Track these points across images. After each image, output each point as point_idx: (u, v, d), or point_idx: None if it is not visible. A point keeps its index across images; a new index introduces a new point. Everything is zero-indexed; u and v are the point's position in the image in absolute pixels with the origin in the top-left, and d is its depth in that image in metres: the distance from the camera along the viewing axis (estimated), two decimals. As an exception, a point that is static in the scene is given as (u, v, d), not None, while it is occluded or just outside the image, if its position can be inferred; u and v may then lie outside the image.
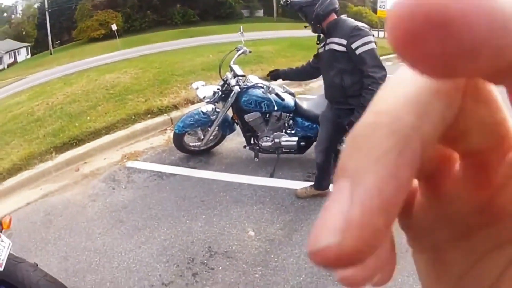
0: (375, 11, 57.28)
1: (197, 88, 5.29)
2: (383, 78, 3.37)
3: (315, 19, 3.68)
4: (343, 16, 3.75)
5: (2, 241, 2.83)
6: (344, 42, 3.49)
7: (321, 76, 4.16)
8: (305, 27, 3.99)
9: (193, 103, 7.45)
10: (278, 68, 4.96)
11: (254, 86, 4.95)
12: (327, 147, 4.22)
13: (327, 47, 3.71)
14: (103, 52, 28.81)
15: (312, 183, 4.63)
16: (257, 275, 3.51)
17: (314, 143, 4.65)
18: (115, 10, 46.39)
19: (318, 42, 3.93)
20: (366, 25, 3.62)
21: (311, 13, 3.65)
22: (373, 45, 3.45)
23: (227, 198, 4.66)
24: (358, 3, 64.35)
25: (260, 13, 57.24)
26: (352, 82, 3.62)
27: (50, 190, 5.18)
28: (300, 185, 4.79)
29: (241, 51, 5.32)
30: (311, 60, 4.40)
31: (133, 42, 33.04)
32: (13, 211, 4.71)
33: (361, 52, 3.41)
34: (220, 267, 3.63)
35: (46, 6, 43.54)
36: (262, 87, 4.85)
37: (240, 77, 5.06)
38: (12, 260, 2.75)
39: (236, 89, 4.91)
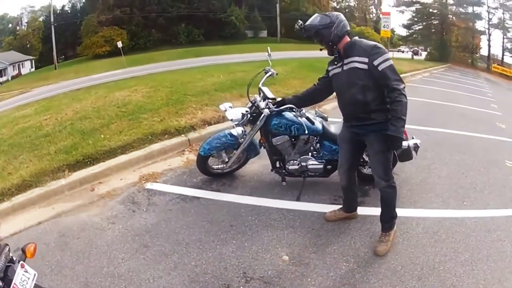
0: (377, 31, 58.15)
1: (225, 110, 5.25)
2: (404, 89, 3.65)
3: (332, 41, 3.83)
4: (357, 38, 3.95)
5: (26, 271, 2.73)
6: (366, 60, 3.68)
7: (329, 98, 4.49)
8: (321, 49, 4.06)
9: (210, 124, 7.45)
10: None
11: (285, 109, 4.89)
12: (349, 167, 4.32)
13: (346, 67, 3.87)
14: (109, 69, 29.21)
15: (340, 206, 4.67)
16: (297, 300, 3.42)
17: None
18: (121, 28, 46.82)
19: (335, 63, 4.02)
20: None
21: (328, 36, 3.80)
22: (391, 61, 3.70)
23: (256, 222, 4.61)
24: (360, 23, 64.99)
25: (264, 33, 57.89)
26: (374, 97, 3.81)
27: (63, 210, 4.99)
28: (327, 208, 4.82)
29: (270, 73, 5.30)
30: (316, 83, 4.58)
31: (138, 60, 33.31)
32: (23, 230, 4.59)
33: (383, 68, 3.63)
34: (259, 293, 3.54)
35: (52, 19, 43.70)
36: (294, 111, 4.81)
37: (270, 100, 5.01)
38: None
39: (266, 112, 4.87)
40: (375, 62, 3.64)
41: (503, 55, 63.24)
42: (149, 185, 5.50)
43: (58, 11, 48.71)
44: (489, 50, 64.56)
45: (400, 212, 4.58)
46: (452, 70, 40.11)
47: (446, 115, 11.88)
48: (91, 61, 40.74)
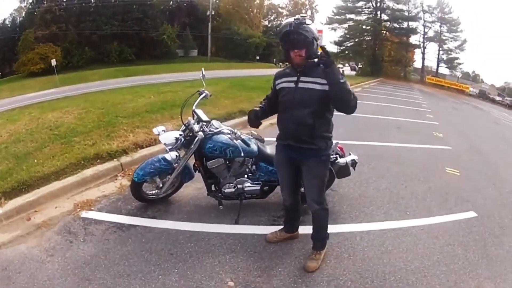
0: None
1: (158, 134, 5.03)
2: (352, 100, 3.59)
3: (310, 54, 3.64)
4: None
5: None
6: (324, 81, 3.56)
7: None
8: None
9: (142, 147, 7.23)
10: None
11: (219, 132, 4.78)
12: (292, 190, 4.24)
13: (301, 85, 3.72)
14: (43, 88, 29.23)
15: (281, 226, 4.62)
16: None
17: (278, 186, 4.64)
18: (56, 45, 46.40)
19: (289, 76, 3.85)
20: None
21: (313, 48, 3.63)
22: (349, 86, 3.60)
23: (196, 249, 4.43)
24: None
25: (195, 52, 58.35)
26: (322, 124, 3.77)
27: (3, 241, 4.63)
28: (267, 229, 4.73)
29: (203, 94, 5.16)
30: (263, 102, 4.28)
31: (71, 79, 33.23)
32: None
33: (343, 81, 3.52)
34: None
35: None
36: (228, 133, 4.68)
37: (204, 123, 4.85)
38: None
39: (201, 135, 4.71)
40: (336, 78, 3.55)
41: (438, 66, 66.18)
42: (84, 214, 5.21)
43: (-1, 25, 48.12)
44: (423, 63, 67.49)
45: (342, 228, 4.72)
46: (384, 84, 41.53)
47: (381, 129, 12.18)
48: (26, 79, 40.38)
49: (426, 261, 4.44)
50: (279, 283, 3.90)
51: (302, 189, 4.25)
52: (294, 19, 3.58)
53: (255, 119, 4.22)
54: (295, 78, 3.77)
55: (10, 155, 6.86)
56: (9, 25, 53.69)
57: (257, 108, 4.23)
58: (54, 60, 35.66)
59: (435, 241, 4.92)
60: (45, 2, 50.81)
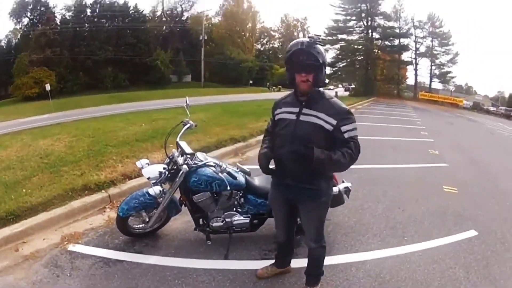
0: None
1: (142, 168, 4.87)
2: (355, 158, 3.29)
3: (318, 82, 3.29)
4: (325, 91, 3.46)
5: None
6: (334, 122, 3.26)
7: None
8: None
9: (130, 178, 7.09)
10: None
11: (204, 165, 4.60)
12: (288, 228, 4.02)
13: (304, 118, 3.36)
14: (37, 113, 29.56)
15: (272, 261, 4.44)
16: None
17: (269, 219, 4.63)
18: (50, 69, 46.83)
19: (291, 107, 3.47)
20: None
21: (323, 75, 3.31)
22: (357, 133, 3.35)
23: (183, 286, 4.25)
24: (283, 65, 67.10)
25: (188, 78, 58.98)
26: None
27: None
28: (258, 264, 4.56)
29: (188, 125, 5.00)
30: (266, 139, 3.90)
31: (65, 105, 33.53)
32: None
33: (349, 136, 3.28)
34: None
35: None
36: (214, 166, 4.51)
37: (188, 155, 4.69)
38: None
39: (185, 168, 4.54)
40: (343, 128, 3.26)
41: (431, 81, 66.90)
42: (71, 247, 5.06)
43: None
44: (416, 79, 68.17)
45: (337, 259, 4.57)
46: (378, 103, 41.69)
47: (375, 150, 12.00)
48: (21, 103, 41.06)
49: None
50: (273, 321, 3.70)
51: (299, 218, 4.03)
52: (308, 37, 3.25)
53: (267, 165, 3.68)
54: (297, 109, 3.42)
55: None
56: (4, 47, 54.10)
57: (266, 150, 3.72)
58: (49, 85, 35.90)
59: (435, 266, 4.79)
60: (39, 25, 51.36)
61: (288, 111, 3.48)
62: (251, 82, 63.07)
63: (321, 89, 3.39)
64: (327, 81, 3.90)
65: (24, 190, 6.31)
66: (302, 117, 3.36)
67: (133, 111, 22.53)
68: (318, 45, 3.20)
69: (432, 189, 8.04)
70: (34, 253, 4.90)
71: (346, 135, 3.26)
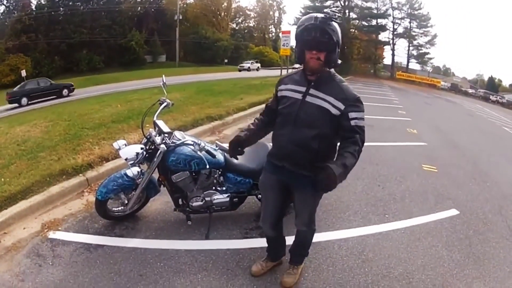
0: (275, 50, 59.93)
1: (118, 149, 4.77)
2: (360, 152, 3.03)
3: (330, 61, 3.07)
4: (336, 74, 3.26)
5: None
6: (342, 106, 3.04)
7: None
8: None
9: (107, 160, 6.98)
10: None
11: (182, 144, 4.52)
12: (276, 219, 3.75)
13: (310, 99, 3.13)
14: None
15: (254, 239, 4.55)
16: None
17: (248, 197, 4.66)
18: (26, 55, 46.26)
19: (298, 85, 3.23)
20: None
21: (333, 53, 3.05)
22: (365, 123, 3.10)
23: (166, 268, 4.20)
24: (259, 43, 66.56)
25: (163, 58, 58.51)
26: (327, 148, 3.20)
27: None
28: (240, 244, 4.58)
29: (164, 104, 4.90)
30: (262, 114, 3.68)
31: None
32: None
33: (356, 124, 3.03)
34: None
35: None
36: (192, 145, 4.44)
37: (166, 134, 4.60)
38: None
39: (163, 148, 4.45)
40: (351, 114, 3.03)
41: (408, 62, 67.18)
42: (51, 234, 4.95)
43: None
44: (393, 59, 68.23)
45: (319, 236, 4.47)
46: (354, 82, 41.50)
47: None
48: None
49: (410, 266, 4.32)
50: (257, 302, 3.67)
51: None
52: (323, 12, 3.00)
53: (235, 149, 3.58)
54: (303, 89, 3.17)
55: None
56: (-19, 35, 53.23)
57: (242, 133, 3.57)
58: (24, 71, 35.42)
59: (418, 244, 4.81)
60: (15, 12, 50.56)
61: (294, 89, 3.24)
62: (226, 61, 62.83)
63: (332, 70, 3.20)
64: (339, 61, 3.68)
65: (2, 179, 6.17)
66: (308, 98, 3.14)
67: (109, 93, 22.49)
68: (333, 22, 2.99)
69: (411, 167, 8.09)
70: (16, 243, 4.80)
71: (352, 123, 3.02)
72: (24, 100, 29.09)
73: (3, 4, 52.89)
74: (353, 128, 3.02)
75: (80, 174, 6.40)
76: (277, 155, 3.41)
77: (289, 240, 4.10)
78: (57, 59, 49.20)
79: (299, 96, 3.17)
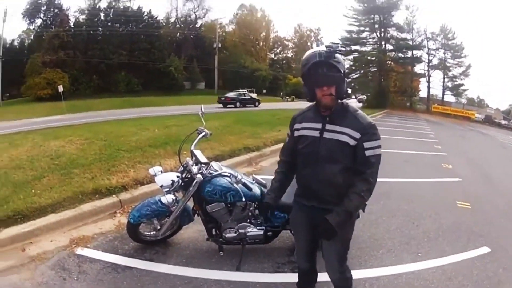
0: None
1: (154, 175, 4.79)
2: (373, 188, 3.00)
3: (341, 94, 3.00)
4: (349, 104, 3.16)
5: None
6: (358, 136, 2.96)
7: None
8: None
9: (142, 184, 7.04)
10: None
11: (219, 175, 4.53)
12: (310, 254, 3.65)
13: (328, 135, 3.05)
14: (49, 113, 29.44)
15: (285, 274, 4.45)
16: None
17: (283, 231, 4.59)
18: (63, 71, 47.10)
19: (313, 122, 3.15)
20: None
21: (343, 85, 2.98)
22: (381, 151, 3.05)
23: (194, 297, 4.13)
24: (297, 75, 66.99)
25: (202, 85, 58.95)
26: (351, 181, 3.04)
27: None
28: (270, 277, 4.48)
29: (203, 134, 4.96)
30: (281, 158, 3.60)
31: (77, 107, 33.64)
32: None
33: (371, 155, 2.98)
34: None
35: (0, 53, 43.41)
36: (229, 176, 4.43)
37: (203, 165, 4.63)
38: None
39: (199, 178, 4.47)
40: (366, 144, 2.96)
41: (443, 94, 66.63)
42: (79, 250, 4.99)
43: (7, 45, 48.81)
44: (428, 92, 67.87)
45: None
46: (391, 115, 41.44)
47: (388, 164, 11.79)
48: (33, 103, 40.98)
49: None
50: None
51: None
52: (326, 46, 2.90)
53: (268, 213, 3.77)
54: (319, 125, 3.10)
55: (8, 182, 6.76)
56: (17, 47, 54.53)
57: (268, 197, 3.53)
58: (61, 86, 36.05)
59: (448, 284, 4.65)
60: (53, 27, 51.71)
61: (310, 127, 3.17)
62: (264, 91, 63.04)
63: (344, 101, 3.12)
64: (349, 91, 3.63)
65: (33, 191, 6.29)
66: (326, 134, 3.06)
67: (146, 116, 22.58)
68: (337, 54, 2.91)
69: (445, 204, 7.93)
70: (41, 254, 4.85)
71: (367, 153, 2.97)
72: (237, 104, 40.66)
73: (40, 17, 54.27)
74: (367, 160, 2.97)
75: (114, 195, 6.48)
76: (304, 195, 3.35)
77: (321, 276, 3.94)
78: (95, 78, 50.07)
79: (316, 133, 3.11)
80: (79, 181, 6.80)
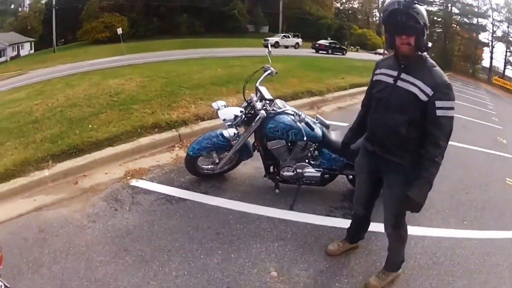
0: (379, 34, 58.21)
1: (218, 109, 4.88)
2: (444, 151, 2.98)
3: (420, 46, 2.95)
4: (428, 58, 3.09)
5: None
6: (430, 92, 2.92)
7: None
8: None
9: (203, 119, 7.15)
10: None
11: (283, 113, 4.59)
12: (368, 200, 3.73)
13: (400, 83, 3.06)
14: (107, 55, 28.86)
15: (337, 219, 4.52)
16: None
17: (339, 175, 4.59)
18: (122, 14, 46.94)
19: (391, 69, 3.17)
20: None
21: (422, 36, 2.92)
22: (453, 113, 2.97)
23: (244, 231, 4.28)
24: (362, 25, 65.23)
25: (266, 29, 57.90)
26: (417, 136, 3.07)
27: (45, 203, 4.66)
28: (322, 220, 4.57)
29: (269, 71, 4.97)
30: (360, 110, 3.70)
31: (137, 48, 33.32)
32: (3, 222, 4.28)
33: (442, 115, 2.92)
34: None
35: (54, 2, 43.63)
36: (292, 115, 4.49)
37: (267, 101, 4.66)
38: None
39: (262, 113, 4.53)
40: (438, 103, 2.90)
41: (504, 68, 63.63)
42: (134, 182, 5.17)
43: (61, -8, 48.94)
44: (491, 62, 64.86)
45: None
46: (454, 79, 39.89)
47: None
48: (90, 46, 40.30)
49: (474, 280, 4.09)
50: (324, 280, 3.69)
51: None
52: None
53: (343, 152, 4.00)
54: (395, 73, 3.11)
55: (64, 119, 6.95)
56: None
57: (345, 137, 3.83)
58: (120, 29, 35.98)
59: (486, 259, 4.53)
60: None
61: (387, 73, 3.18)
62: (329, 39, 61.94)
63: (424, 53, 3.04)
64: (430, 44, 3.52)
65: (90, 126, 6.45)
66: (399, 83, 3.07)
67: (209, 56, 22.29)
68: (417, 5, 2.84)
69: (496, 178, 7.68)
70: (94, 186, 5.03)
71: (438, 112, 2.90)
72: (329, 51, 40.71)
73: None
74: (437, 120, 2.93)
75: (173, 129, 6.58)
76: (370, 139, 3.42)
77: (373, 226, 4.04)
78: (155, 21, 49.96)
79: (390, 80, 3.13)
80: (139, 116, 6.93)
